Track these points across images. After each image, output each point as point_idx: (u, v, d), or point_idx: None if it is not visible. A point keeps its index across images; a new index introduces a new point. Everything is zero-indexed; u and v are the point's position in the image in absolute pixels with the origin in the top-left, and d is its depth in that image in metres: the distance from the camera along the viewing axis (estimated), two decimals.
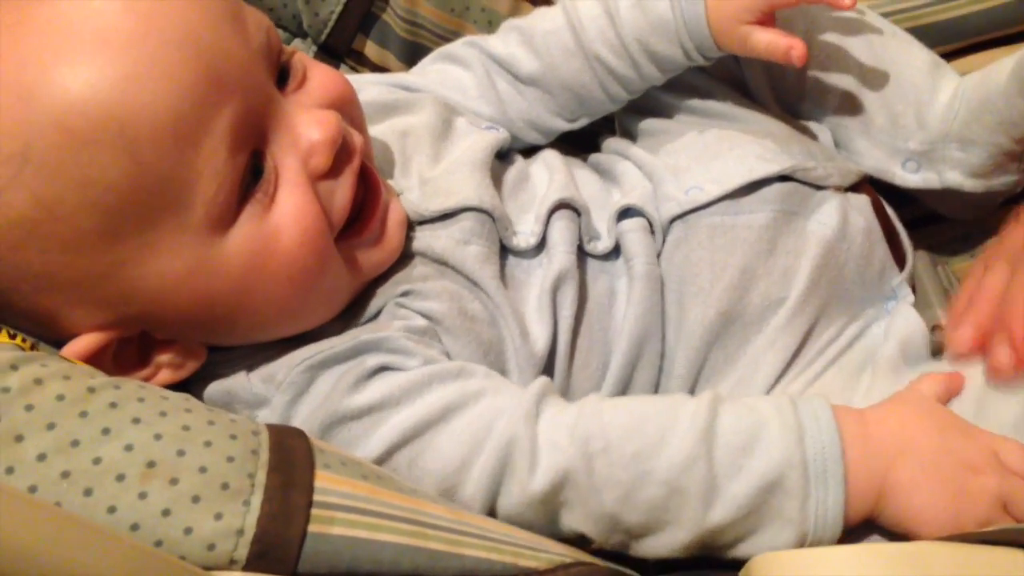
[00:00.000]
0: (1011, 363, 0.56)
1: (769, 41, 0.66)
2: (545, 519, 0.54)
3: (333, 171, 0.55)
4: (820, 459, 0.51)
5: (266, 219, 0.53)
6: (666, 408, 0.54)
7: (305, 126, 0.54)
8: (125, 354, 0.54)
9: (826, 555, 0.46)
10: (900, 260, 0.69)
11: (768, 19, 0.67)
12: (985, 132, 0.68)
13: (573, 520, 0.53)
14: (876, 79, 0.71)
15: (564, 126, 0.74)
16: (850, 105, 0.72)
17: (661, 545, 0.53)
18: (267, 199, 0.53)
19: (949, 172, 0.70)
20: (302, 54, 0.59)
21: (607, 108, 0.74)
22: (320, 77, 0.58)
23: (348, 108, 0.59)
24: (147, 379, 0.54)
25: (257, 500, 0.43)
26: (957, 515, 0.51)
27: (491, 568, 0.47)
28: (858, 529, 0.53)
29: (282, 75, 0.56)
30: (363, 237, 0.58)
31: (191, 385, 0.57)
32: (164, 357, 0.55)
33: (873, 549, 0.46)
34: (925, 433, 0.53)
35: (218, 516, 0.42)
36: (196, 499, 0.42)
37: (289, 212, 0.53)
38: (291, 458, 0.45)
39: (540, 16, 0.73)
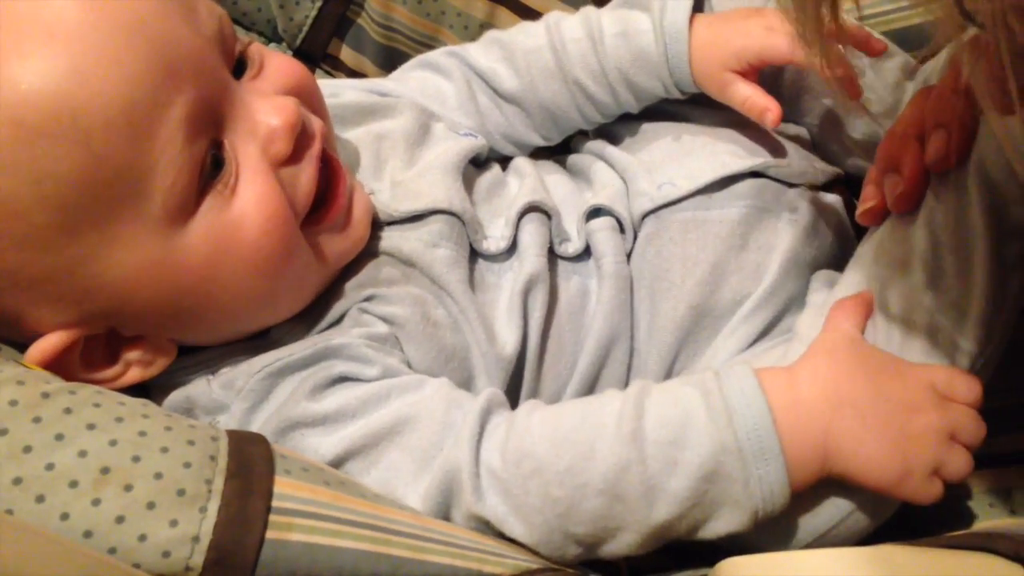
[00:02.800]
0: (898, 192, 0.56)
1: (747, 97, 0.66)
2: (497, 537, 0.53)
3: (294, 157, 0.54)
4: (754, 437, 0.50)
5: (228, 208, 0.52)
6: (592, 413, 0.53)
7: (263, 113, 0.54)
8: (94, 353, 0.53)
9: (792, 559, 0.46)
10: None
11: (751, 71, 0.66)
12: None
13: (522, 538, 0.52)
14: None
15: (539, 142, 0.74)
16: (826, 111, 0.72)
17: (616, 549, 0.52)
18: (228, 189, 0.52)
19: None
20: (258, 44, 0.58)
21: (580, 127, 0.73)
22: (277, 65, 0.58)
23: (306, 95, 0.58)
24: (117, 377, 0.54)
25: (214, 506, 0.42)
26: (904, 459, 0.50)
27: (455, 574, 0.47)
28: (817, 489, 0.53)
29: (239, 65, 0.56)
30: (328, 223, 0.57)
31: (152, 392, 0.57)
32: (133, 355, 0.54)
33: (840, 553, 0.45)
34: (858, 383, 0.52)
35: (173, 523, 0.41)
36: (151, 505, 0.41)
37: (252, 200, 0.52)
38: (250, 464, 0.45)
39: (523, 32, 0.72)
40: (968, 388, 0.53)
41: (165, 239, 0.50)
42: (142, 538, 0.41)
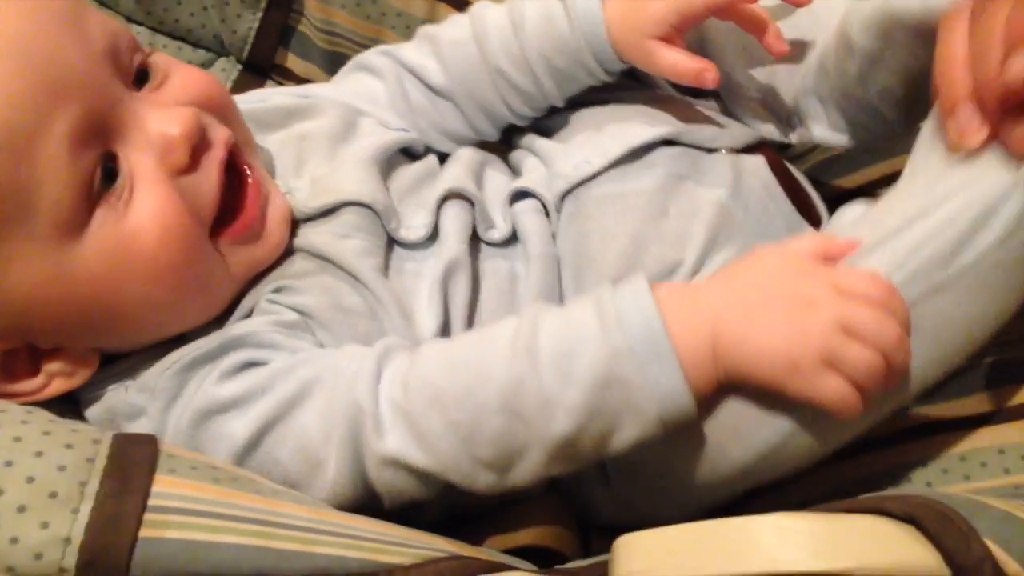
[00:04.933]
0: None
1: (676, 62, 0.64)
2: (411, 480, 0.53)
3: (193, 165, 0.55)
4: (646, 340, 0.49)
5: (123, 221, 0.52)
6: (487, 336, 0.54)
7: (158, 123, 0.54)
8: (14, 366, 0.54)
9: (686, 532, 0.44)
10: (814, 220, 0.68)
11: (674, 35, 0.65)
12: (827, 85, 0.65)
13: (430, 467, 0.52)
14: (761, 57, 0.69)
15: (475, 137, 0.73)
16: (734, 84, 0.70)
17: (526, 471, 0.52)
18: (121, 202, 0.52)
19: (815, 127, 0.68)
20: (165, 56, 0.59)
21: (511, 120, 0.72)
22: (180, 76, 0.58)
23: (213, 105, 0.58)
24: (40, 388, 0.55)
25: (87, 508, 0.42)
26: (789, 350, 0.49)
27: (345, 565, 0.46)
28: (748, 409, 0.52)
29: (142, 77, 0.56)
30: (239, 234, 0.57)
31: (82, 407, 0.58)
32: (54, 366, 0.55)
33: (729, 522, 0.44)
34: (752, 281, 0.52)
35: (44, 525, 0.42)
36: (22, 509, 0.42)
37: (147, 211, 0.53)
38: (128, 464, 0.45)
39: (451, 24, 0.72)
40: (869, 285, 0.50)
41: (58, 254, 0.51)
42: (13, 541, 0.41)
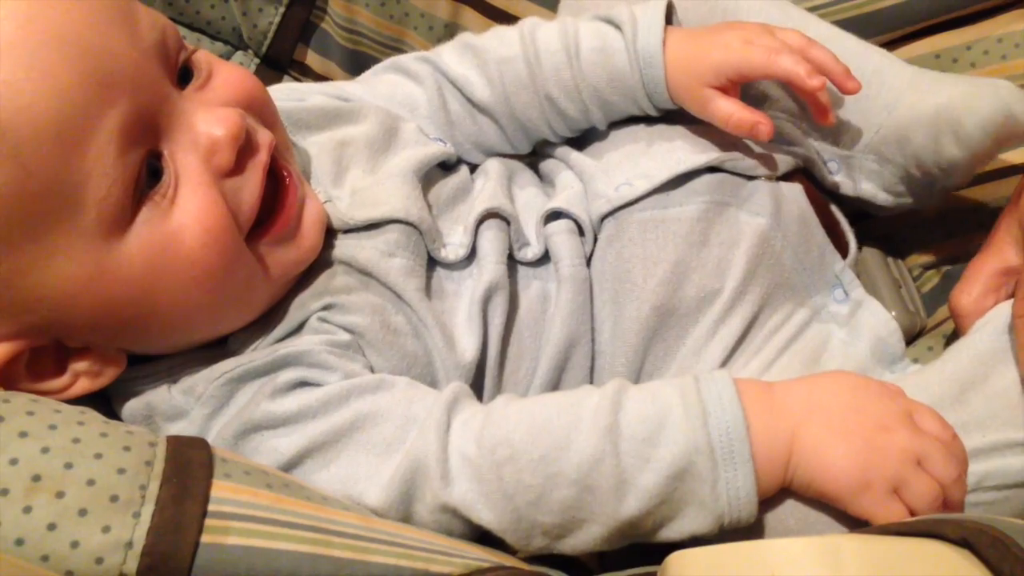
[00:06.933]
0: None
1: (731, 114, 0.64)
2: (463, 527, 0.53)
3: (237, 168, 0.54)
4: (726, 440, 0.51)
5: (167, 220, 0.52)
6: (570, 406, 0.54)
7: (205, 124, 0.53)
8: (40, 364, 0.53)
9: (740, 551, 0.45)
10: (843, 249, 0.69)
11: (731, 86, 0.65)
12: (900, 156, 0.68)
13: (490, 524, 0.52)
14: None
15: (509, 151, 0.72)
16: (780, 108, 0.71)
17: (581, 542, 0.53)
18: (166, 200, 0.52)
19: (864, 182, 0.70)
20: (208, 54, 0.58)
21: (549, 139, 0.72)
22: (225, 75, 0.57)
23: (256, 106, 0.57)
24: (65, 388, 0.54)
25: (148, 511, 0.42)
26: (865, 470, 0.50)
27: (399, 574, 0.46)
28: (777, 497, 0.53)
29: (186, 75, 0.55)
30: (276, 234, 0.56)
31: (113, 402, 0.57)
32: (80, 365, 0.54)
33: (788, 543, 0.44)
34: (834, 394, 0.53)
35: (106, 529, 0.41)
36: (83, 512, 0.41)
37: (191, 212, 0.52)
38: (187, 468, 0.44)
39: (497, 38, 0.70)
40: (937, 424, 0.53)
41: (102, 250, 0.50)
42: (74, 545, 0.41)
